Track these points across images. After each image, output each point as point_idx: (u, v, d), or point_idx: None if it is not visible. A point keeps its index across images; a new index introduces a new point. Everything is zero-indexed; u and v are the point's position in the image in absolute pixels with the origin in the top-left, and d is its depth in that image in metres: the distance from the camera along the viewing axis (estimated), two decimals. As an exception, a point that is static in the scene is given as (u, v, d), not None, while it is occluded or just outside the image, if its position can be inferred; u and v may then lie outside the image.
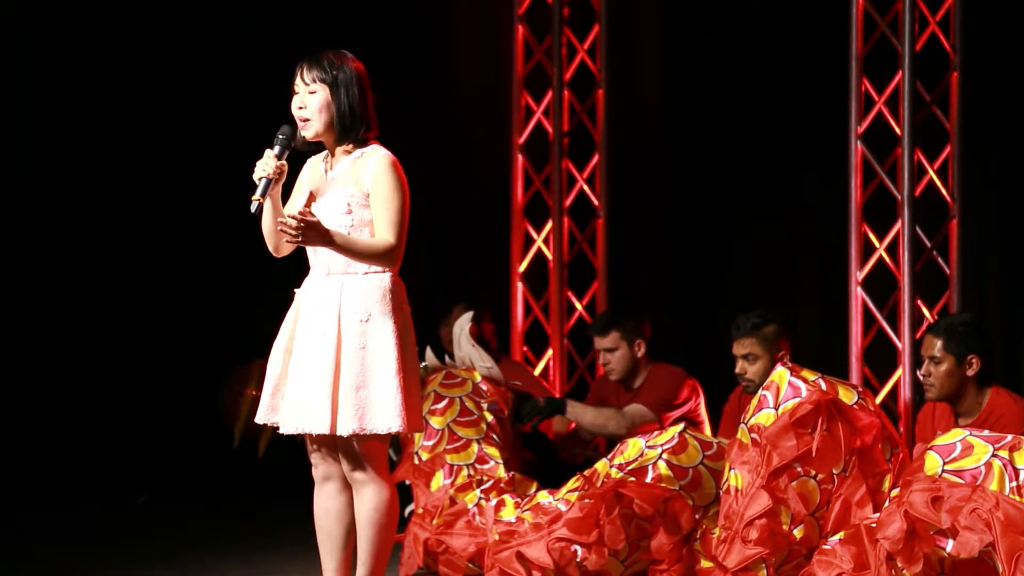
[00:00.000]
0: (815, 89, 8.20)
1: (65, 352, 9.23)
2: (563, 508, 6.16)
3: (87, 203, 9.28)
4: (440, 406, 6.81)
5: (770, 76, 8.56)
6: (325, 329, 5.08)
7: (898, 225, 7.40)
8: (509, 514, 6.34)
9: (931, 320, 7.31)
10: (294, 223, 4.93)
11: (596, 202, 8.65)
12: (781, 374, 5.85)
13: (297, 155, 5.23)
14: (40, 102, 9.23)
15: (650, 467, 6.16)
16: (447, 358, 7.16)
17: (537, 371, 8.63)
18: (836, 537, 5.54)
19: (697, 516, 6.09)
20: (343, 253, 5.05)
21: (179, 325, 9.41)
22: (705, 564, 5.89)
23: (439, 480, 6.66)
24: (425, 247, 8.89)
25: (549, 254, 8.72)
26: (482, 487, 6.58)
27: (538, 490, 6.56)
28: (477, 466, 6.71)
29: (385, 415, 5.03)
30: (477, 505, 6.50)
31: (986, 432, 5.45)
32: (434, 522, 6.51)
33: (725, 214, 8.80)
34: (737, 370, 6.92)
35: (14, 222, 9.16)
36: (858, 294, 7.49)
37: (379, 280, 5.10)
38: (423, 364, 6.92)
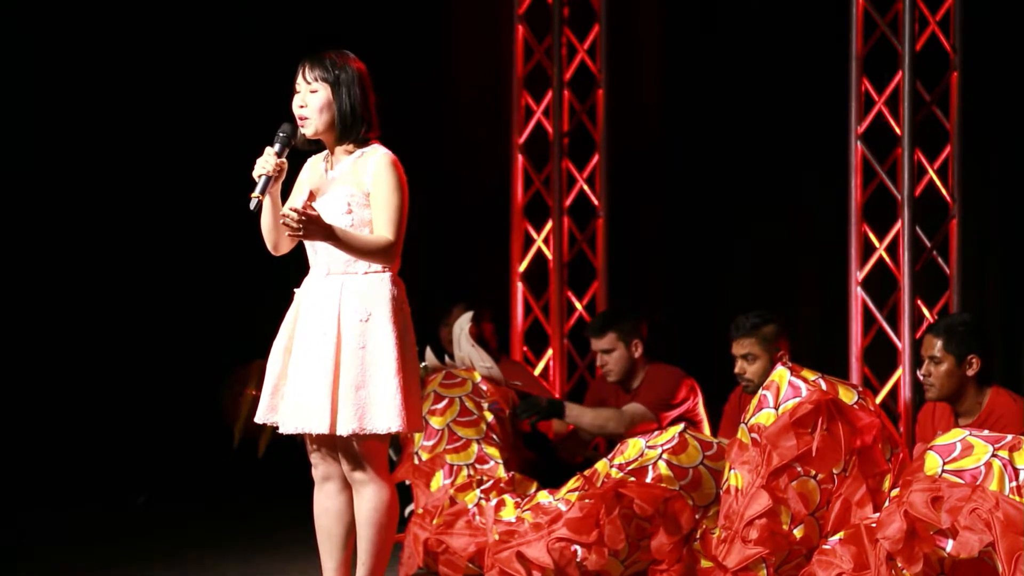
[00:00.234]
0: (815, 89, 8.20)
1: (65, 352, 9.23)
2: (563, 508, 6.16)
3: (87, 203, 9.28)
4: (440, 406, 6.81)
5: (770, 76, 8.56)
6: (325, 329, 5.08)
7: (898, 225, 7.40)
8: (509, 514, 6.34)
9: (931, 320, 7.31)
10: (295, 216, 4.93)
11: (596, 202, 8.65)
12: (781, 374, 5.85)
13: (297, 154, 5.23)
14: (40, 102, 9.23)
15: (650, 467, 6.16)
16: (447, 358, 7.16)
17: (537, 371, 8.63)
18: (836, 537, 5.54)
19: (697, 516, 6.08)
20: (342, 248, 5.04)
21: (179, 325, 9.41)
22: (705, 564, 5.89)
23: (439, 480, 6.66)
24: (425, 247, 8.91)
25: (549, 254, 8.72)
26: (482, 487, 6.58)
27: (538, 490, 6.56)
28: (477, 466, 6.71)
29: (385, 415, 5.03)
30: (477, 505, 6.50)
31: (986, 432, 5.45)
32: (434, 522, 6.51)
33: (725, 214, 8.80)
34: (736, 370, 6.92)
35: (14, 222, 9.16)
36: (858, 294, 7.48)
37: (379, 280, 5.10)
38: (423, 364, 6.92)
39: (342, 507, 5.22)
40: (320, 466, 5.23)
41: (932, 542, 5.24)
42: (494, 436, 6.82)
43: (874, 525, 5.38)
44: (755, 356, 6.86)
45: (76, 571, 6.89)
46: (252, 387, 8.35)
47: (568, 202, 8.70)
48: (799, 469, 5.70)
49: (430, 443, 6.75)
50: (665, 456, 6.17)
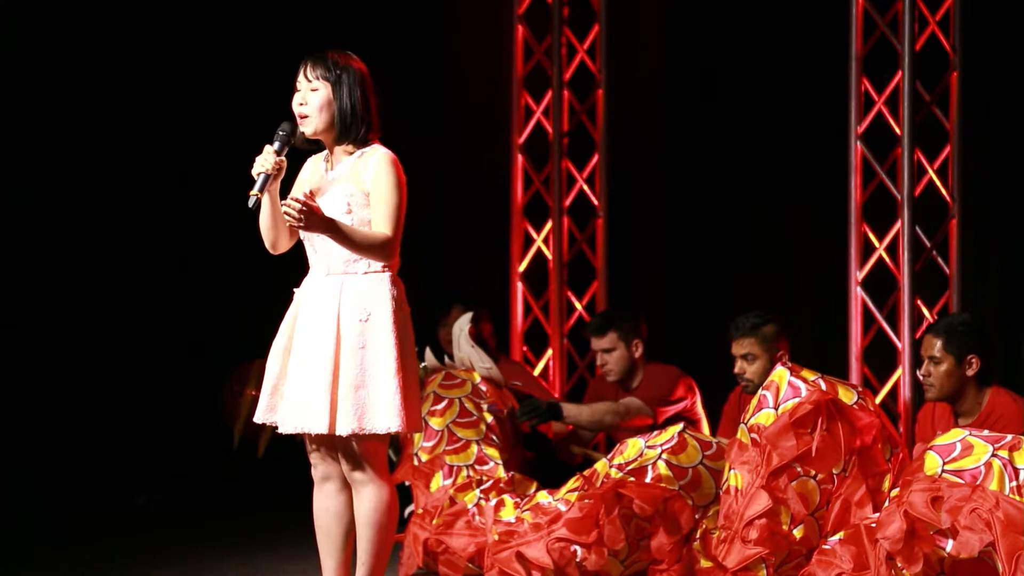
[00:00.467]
0: (815, 89, 8.21)
1: (65, 353, 9.23)
2: (563, 508, 6.16)
3: (87, 203, 9.28)
4: (439, 407, 6.81)
5: (770, 76, 8.56)
6: (324, 329, 5.08)
7: (898, 225, 7.40)
8: (509, 514, 6.34)
9: (931, 320, 7.31)
10: (297, 206, 4.93)
11: (596, 202, 8.65)
12: (781, 374, 5.85)
13: (296, 153, 5.23)
14: (40, 102, 9.23)
15: (650, 467, 6.16)
16: (446, 359, 7.16)
17: (537, 371, 8.63)
18: (836, 537, 5.54)
19: (697, 516, 6.08)
20: (341, 241, 5.03)
21: (179, 325, 9.41)
22: (705, 564, 5.89)
23: (438, 481, 6.66)
24: (425, 247, 8.91)
25: (549, 254, 8.72)
26: (482, 487, 6.58)
27: (538, 490, 6.56)
28: (477, 467, 6.71)
29: (384, 415, 5.03)
30: (477, 505, 6.50)
31: (986, 432, 5.45)
32: (434, 522, 6.51)
33: (725, 214, 8.80)
34: (736, 370, 6.92)
35: (14, 222, 9.16)
36: (858, 294, 7.49)
37: (379, 280, 5.10)
38: (422, 365, 6.92)
39: (342, 507, 5.22)
40: (320, 466, 5.23)
41: (932, 542, 5.24)
42: (494, 437, 6.82)
43: (874, 525, 5.38)
44: (755, 356, 6.86)
45: (76, 571, 6.88)
46: (252, 387, 8.34)
47: (568, 202, 8.70)
48: (799, 469, 5.70)
49: (430, 444, 6.75)
50: (664, 456, 6.17)
